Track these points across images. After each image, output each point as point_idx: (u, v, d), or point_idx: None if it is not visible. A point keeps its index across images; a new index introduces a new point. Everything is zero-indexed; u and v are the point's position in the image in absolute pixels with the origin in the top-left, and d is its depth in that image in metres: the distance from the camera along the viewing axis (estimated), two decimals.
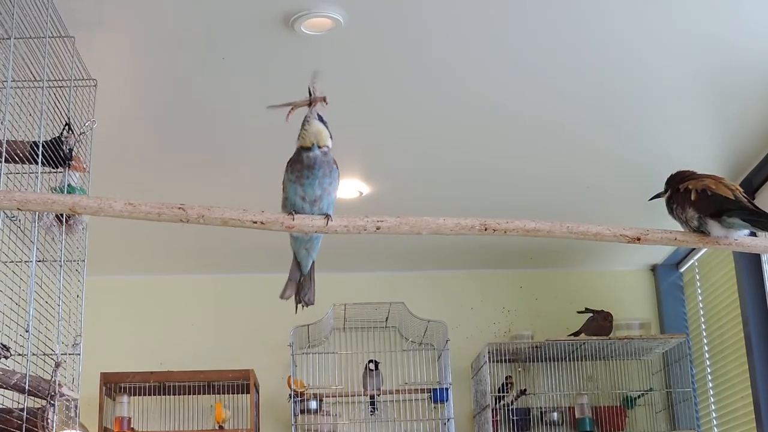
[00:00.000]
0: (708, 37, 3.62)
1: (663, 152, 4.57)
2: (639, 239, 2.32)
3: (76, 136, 3.15)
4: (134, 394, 5.78)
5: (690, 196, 2.38)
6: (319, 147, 2.24)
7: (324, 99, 2.25)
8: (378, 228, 2.20)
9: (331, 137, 2.28)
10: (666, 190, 2.56)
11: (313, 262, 2.42)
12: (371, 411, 5.93)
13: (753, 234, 2.49)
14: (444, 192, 5.06)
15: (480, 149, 4.59)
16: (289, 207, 2.26)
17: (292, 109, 2.24)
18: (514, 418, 5.87)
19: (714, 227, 2.34)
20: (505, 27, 3.52)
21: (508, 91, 4.01)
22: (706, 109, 4.23)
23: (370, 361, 5.90)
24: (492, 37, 3.57)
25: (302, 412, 5.76)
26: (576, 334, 5.88)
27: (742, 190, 2.40)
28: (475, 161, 4.73)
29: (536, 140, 4.50)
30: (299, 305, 2.44)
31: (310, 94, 2.25)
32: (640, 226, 2.42)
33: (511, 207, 5.07)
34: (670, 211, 2.51)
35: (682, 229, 2.45)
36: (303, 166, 2.24)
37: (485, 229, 2.22)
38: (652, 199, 2.68)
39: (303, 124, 2.26)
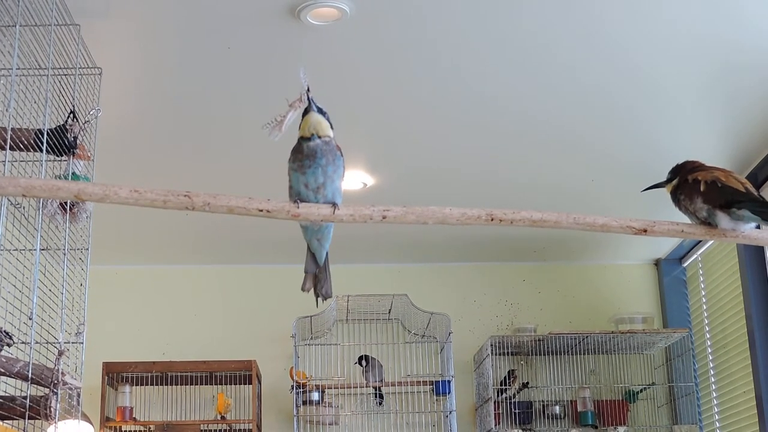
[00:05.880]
0: (712, 35, 3.60)
1: (667, 148, 4.55)
2: (646, 231, 2.30)
3: (81, 124, 3.14)
4: (136, 384, 5.77)
5: (699, 187, 2.36)
6: (320, 137, 2.20)
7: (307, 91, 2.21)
8: (384, 217, 2.18)
9: (332, 127, 2.24)
10: (669, 180, 2.53)
11: (327, 254, 2.39)
12: (378, 402, 5.93)
13: (757, 227, 2.47)
14: (447, 186, 5.05)
15: (482, 144, 4.58)
16: (294, 195, 2.24)
17: (287, 112, 2.20)
18: (516, 411, 5.88)
19: (722, 219, 2.32)
20: (509, 26, 3.52)
21: (512, 89, 4.00)
22: (711, 106, 4.21)
23: (363, 356, 5.91)
24: (496, 33, 3.57)
25: (304, 403, 5.76)
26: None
27: (750, 184, 2.38)
28: (478, 156, 4.72)
29: (540, 138, 4.49)
30: (318, 298, 2.41)
31: (306, 92, 2.21)
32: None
33: (515, 202, 5.06)
34: (676, 202, 2.48)
35: (689, 221, 2.43)
36: (304, 155, 2.20)
37: (491, 219, 2.20)
38: (646, 189, 2.65)
39: (303, 115, 2.23)
